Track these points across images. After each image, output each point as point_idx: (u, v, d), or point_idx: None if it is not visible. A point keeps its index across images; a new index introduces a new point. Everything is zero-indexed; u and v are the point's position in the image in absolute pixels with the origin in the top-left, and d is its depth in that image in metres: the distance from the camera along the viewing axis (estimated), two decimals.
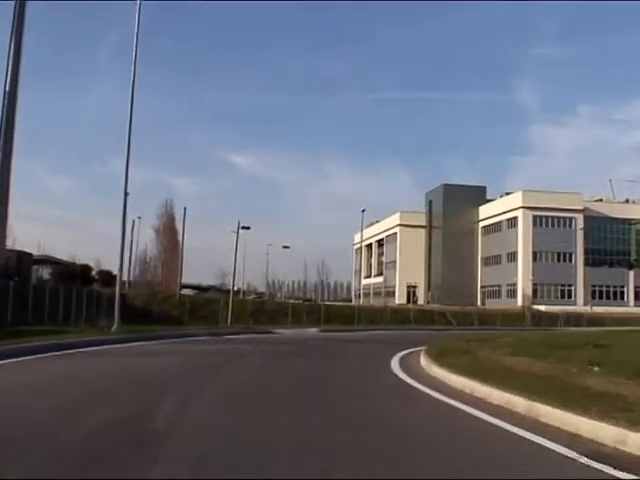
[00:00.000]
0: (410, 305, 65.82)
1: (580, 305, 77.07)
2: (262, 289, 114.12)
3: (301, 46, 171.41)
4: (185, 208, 33.82)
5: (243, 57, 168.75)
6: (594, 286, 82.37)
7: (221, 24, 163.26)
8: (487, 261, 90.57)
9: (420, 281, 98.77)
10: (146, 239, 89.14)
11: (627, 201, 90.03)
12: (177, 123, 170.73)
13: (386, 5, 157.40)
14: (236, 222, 42.00)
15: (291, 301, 59.37)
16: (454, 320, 51.54)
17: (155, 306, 39.51)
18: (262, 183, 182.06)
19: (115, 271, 31.05)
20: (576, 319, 60.78)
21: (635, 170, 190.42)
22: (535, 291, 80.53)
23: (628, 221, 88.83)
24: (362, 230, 78.68)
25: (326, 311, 46.67)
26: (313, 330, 37.01)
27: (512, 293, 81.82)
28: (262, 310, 44.28)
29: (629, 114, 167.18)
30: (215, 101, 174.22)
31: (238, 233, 41.20)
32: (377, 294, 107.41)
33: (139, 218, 62.49)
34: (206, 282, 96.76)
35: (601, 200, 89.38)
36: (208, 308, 40.28)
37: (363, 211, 75.12)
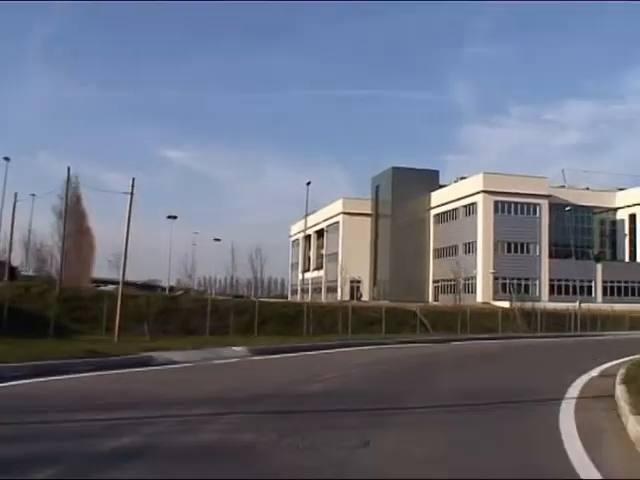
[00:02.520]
0: (386, 303, 55.65)
1: (545, 301, 68.75)
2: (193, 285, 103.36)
3: (237, 41, 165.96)
4: (131, 198, 23.63)
5: (178, 52, 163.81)
6: (559, 280, 74.51)
7: (156, 19, 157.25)
8: (440, 252, 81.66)
9: (365, 275, 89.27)
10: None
11: (587, 189, 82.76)
12: (111, 117, 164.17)
13: (323, 2, 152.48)
14: (173, 219, 31.38)
15: (213, 296, 47.61)
16: (427, 321, 41.86)
17: (26, 304, 28.75)
18: (198, 179, 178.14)
19: None
20: (592, 319, 52.67)
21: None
22: (496, 286, 72.13)
23: (592, 209, 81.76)
24: (307, 212, 68.52)
25: (262, 310, 36.33)
26: (237, 351, 22.88)
27: (470, 288, 73.24)
28: (175, 310, 33.56)
29: (559, 115, 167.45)
30: (149, 96, 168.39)
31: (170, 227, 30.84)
32: (316, 290, 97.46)
33: (33, 195, 51.16)
34: (140, 278, 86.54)
35: (563, 187, 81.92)
36: (97, 306, 29.51)
37: (308, 184, 65.51)
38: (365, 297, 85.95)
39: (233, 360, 20.69)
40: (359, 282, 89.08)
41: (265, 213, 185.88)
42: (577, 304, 55.52)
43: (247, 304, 35.36)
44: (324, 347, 26.95)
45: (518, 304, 51.23)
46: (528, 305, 51.47)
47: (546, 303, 54.50)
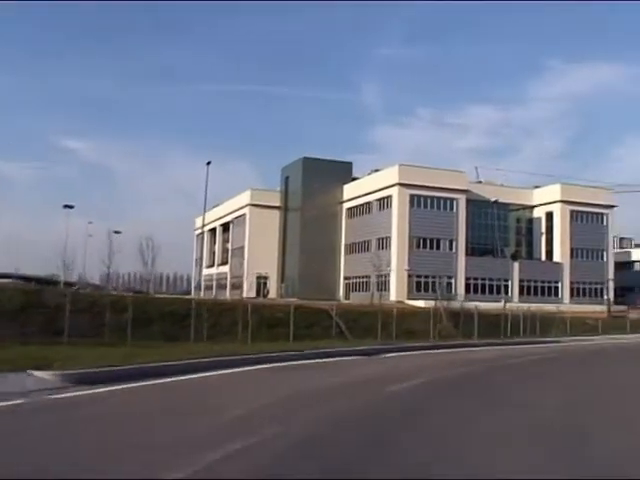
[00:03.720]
0: (294, 300, 50.05)
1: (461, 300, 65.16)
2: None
3: (143, 36, 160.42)
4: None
5: (83, 43, 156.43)
6: (476, 279, 71.29)
7: (63, 12, 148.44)
8: (353, 248, 77.18)
9: (273, 271, 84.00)
10: None
11: (502, 186, 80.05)
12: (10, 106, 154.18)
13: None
14: (70, 209, 25.13)
15: (80, 290, 40.78)
16: (342, 322, 36.51)
17: None
18: (100, 171, 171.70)
19: None
20: (532, 322, 48.12)
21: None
22: (410, 284, 68.22)
23: (509, 207, 79.13)
24: (206, 195, 62.39)
25: (146, 308, 30.31)
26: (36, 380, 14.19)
27: (384, 286, 69.13)
28: (38, 306, 27.38)
29: (463, 118, 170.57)
30: (50, 85, 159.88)
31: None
32: (222, 286, 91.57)
33: None
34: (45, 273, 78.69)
35: (480, 182, 78.98)
36: None
37: (208, 163, 59.54)
38: (273, 294, 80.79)
39: None
40: (266, 278, 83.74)
41: (169, 206, 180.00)
42: (502, 304, 51.80)
43: (126, 301, 29.03)
44: (187, 369, 17.71)
45: (445, 303, 46.58)
46: (456, 305, 46.97)
47: (478, 303, 49.84)
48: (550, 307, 60.77)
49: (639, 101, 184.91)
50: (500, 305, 61.15)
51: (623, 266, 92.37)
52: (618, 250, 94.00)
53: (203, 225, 77.33)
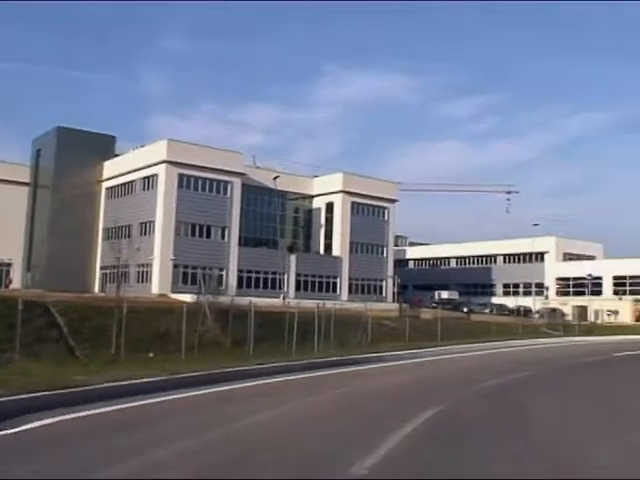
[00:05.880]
0: (39, 292, 39.34)
1: (232, 295, 58.01)
2: None
3: None
4: None
5: None
6: (250, 272, 64.63)
7: None
8: (112, 233, 67.16)
9: (18, 257, 71.81)
10: None
11: (277, 177, 73.86)
12: None
13: None
14: None
15: None
16: (63, 321, 27.21)
17: None
18: None
19: None
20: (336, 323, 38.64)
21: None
22: (176, 275, 60.05)
23: (287, 195, 73.55)
24: None
25: None
26: None
27: (145, 277, 60.43)
28: None
29: (245, 116, 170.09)
30: None
31: None
32: None
33: None
34: None
35: (258, 167, 72.55)
36: None
37: None
38: (17, 284, 68.77)
39: None
40: (9, 265, 71.39)
41: None
42: (281, 300, 44.99)
43: None
44: None
45: (210, 298, 38.73)
46: (226, 300, 39.21)
47: (254, 299, 41.95)
48: (329, 304, 55.28)
49: (414, 109, 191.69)
50: (278, 301, 55.10)
51: (398, 264, 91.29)
52: (394, 248, 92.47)
53: None
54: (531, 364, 29.02)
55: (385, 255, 76.30)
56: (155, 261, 59.72)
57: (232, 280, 62.21)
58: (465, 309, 73.85)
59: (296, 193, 74.77)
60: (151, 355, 26.89)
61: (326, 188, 74.47)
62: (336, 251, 72.54)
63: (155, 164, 61.87)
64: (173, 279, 59.66)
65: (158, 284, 58.83)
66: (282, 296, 48.38)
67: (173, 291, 56.42)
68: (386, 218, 76.48)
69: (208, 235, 63.10)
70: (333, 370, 24.07)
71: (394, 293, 76.12)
